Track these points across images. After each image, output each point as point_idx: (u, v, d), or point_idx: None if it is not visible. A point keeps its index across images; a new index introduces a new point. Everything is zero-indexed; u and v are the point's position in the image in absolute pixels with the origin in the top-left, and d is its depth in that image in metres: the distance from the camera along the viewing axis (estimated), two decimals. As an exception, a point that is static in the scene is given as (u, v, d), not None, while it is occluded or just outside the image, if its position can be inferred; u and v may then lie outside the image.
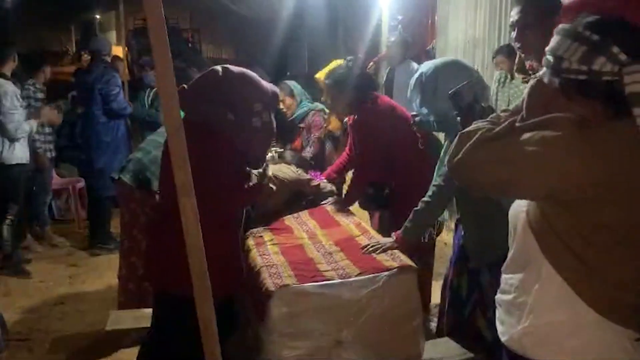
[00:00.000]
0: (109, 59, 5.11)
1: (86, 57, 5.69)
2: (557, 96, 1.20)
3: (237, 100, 2.05)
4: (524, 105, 1.27)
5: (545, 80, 1.22)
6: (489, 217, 2.04)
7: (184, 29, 10.21)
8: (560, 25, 1.22)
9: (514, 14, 2.17)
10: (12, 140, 4.19)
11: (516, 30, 2.16)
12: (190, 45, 9.92)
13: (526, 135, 1.19)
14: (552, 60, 1.21)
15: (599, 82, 1.14)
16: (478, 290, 2.35)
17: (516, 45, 2.22)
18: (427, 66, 2.48)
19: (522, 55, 2.38)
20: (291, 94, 4.01)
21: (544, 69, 1.23)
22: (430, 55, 6.05)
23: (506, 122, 1.26)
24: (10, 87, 4.19)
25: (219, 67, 2.12)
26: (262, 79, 2.21)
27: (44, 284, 4.18)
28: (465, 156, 1.26)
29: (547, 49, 1.23)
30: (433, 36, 5.90)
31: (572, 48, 1.16)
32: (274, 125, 2.22)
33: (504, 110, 1.38)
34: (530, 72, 2.33)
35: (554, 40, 1.22)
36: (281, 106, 3.92)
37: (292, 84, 4.11)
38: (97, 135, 4.79)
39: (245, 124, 2.06)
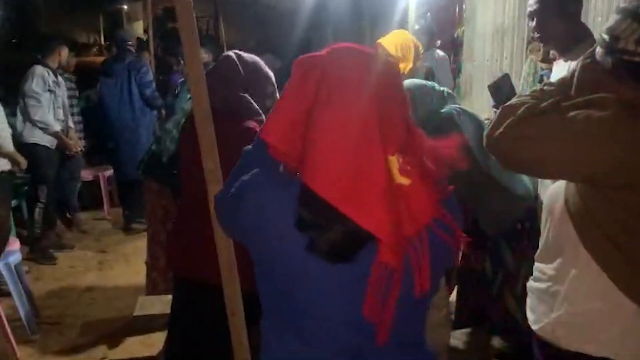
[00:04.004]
0: (133, 49, 5.21)
1: (114, 49, 5.79)
2: (607, 77, 1.16)
3: (253, 83, 2.07)
4: (574, 83, 1.22)
5: (598, 58, 1.18)
6: (480, 184, 2.11)
7: (202, 16, 10.07)
8: (622, 5, 1.18)
9: (532, 3, 2.13)
10: (32, 123, 4.25)
11: (535, 19, 2.12)
12: (207, 33, 9.81)
13: (572, 114, 1.15)
14: (607, 39, 1.16)
15: None
16: (502, 268, 2.37)
17: (535, 35, 2.19)
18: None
19: (542, 45, 2.33)
20: None
21: (598, 47, 1.19)
22: (457, 44, 5.94)
23: (552, 99, 1.22)
24: (39, 70, 4.27)
25: (231, 53, 2.13)
26: (274, 64, 2.20)
27: (74, 270, 4.27)
28: (508, 130, 1.21)
29: (604, 26, 1.19)
30: (460, 24, 5.81)
31: (630, 28, 1.12)
32: None
33: (547, 84, 1.33)
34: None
35: (612, 19, 1.17)
36: None
37: None
38: (129, 123, 4.87)
39: (260, 107, 2.08)
